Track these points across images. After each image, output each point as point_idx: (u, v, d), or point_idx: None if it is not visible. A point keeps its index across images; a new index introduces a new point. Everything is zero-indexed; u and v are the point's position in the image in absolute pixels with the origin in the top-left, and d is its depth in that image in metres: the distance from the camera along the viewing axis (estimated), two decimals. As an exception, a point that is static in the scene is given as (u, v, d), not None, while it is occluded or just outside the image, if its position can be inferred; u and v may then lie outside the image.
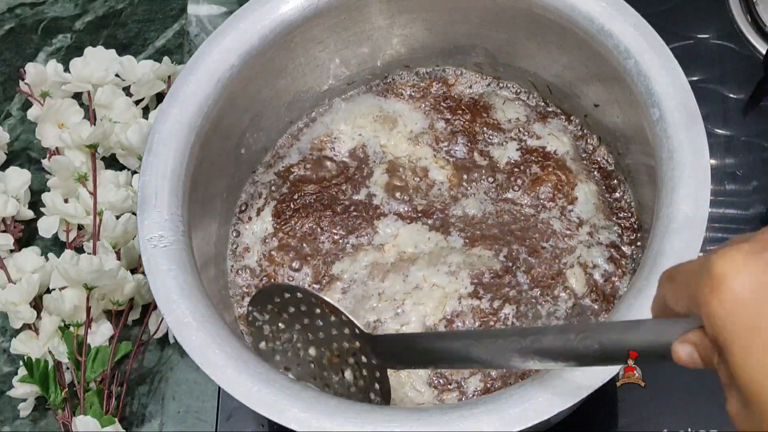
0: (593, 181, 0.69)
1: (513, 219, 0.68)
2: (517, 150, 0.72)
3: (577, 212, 0.68)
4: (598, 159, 0.71)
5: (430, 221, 0.69)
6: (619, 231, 0.67)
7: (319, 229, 0.69)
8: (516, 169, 0.71)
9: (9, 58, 0.93)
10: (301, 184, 0.72)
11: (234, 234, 0.70)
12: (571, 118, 0.73)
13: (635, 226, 0.67)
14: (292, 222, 0.70)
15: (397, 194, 0.71)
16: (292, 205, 0.71)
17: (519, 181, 0.70)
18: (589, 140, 0.72)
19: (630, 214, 0.68)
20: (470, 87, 0.76)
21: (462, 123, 0.74)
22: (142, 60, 0.85)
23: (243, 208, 0.71)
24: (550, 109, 0.73)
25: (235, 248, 0.70)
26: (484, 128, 0.73)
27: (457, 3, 0.70)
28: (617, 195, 0.69)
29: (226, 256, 0.69)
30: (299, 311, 0.59)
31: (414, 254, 0.67)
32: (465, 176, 0.71)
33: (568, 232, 0.67)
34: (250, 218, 0.70)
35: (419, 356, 0.54)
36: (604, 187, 0.69)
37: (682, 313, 0.37)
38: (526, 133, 0.72)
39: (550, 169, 0.70)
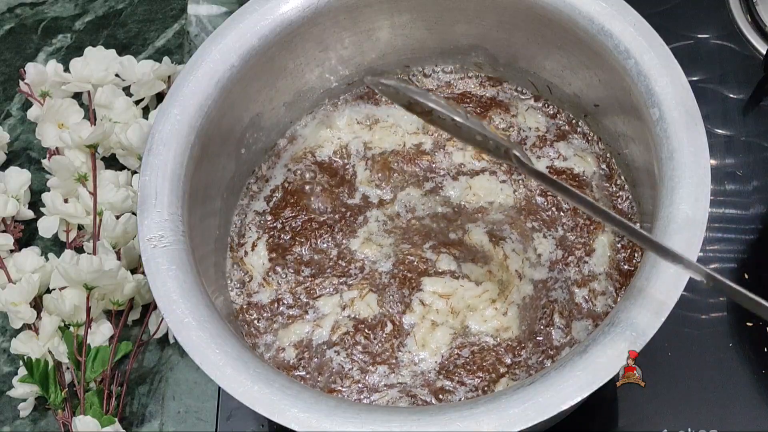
0: (609, 229, 0.68)
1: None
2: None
3: (591, 264, 0.66)
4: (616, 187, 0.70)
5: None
6: (616, 294, 0.65)
7: (316, 251, 0.69)
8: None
9: (9, 58, 0.93)
10: (289, 208, 0.71)
11: (234, 237, 0.70)
12: (575, 121, 0.73)
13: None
14: (291, 254, 0.69)
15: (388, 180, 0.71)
16: (284, 237, 0.70)
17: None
18: (591, 140, 0.72)
19: (631, 216, 0.68)
20: (473, 86, 0.76)
21: (473, 109, 0.74)
22: (142, 60, 0.85)
23: (237, 240, 0.70)
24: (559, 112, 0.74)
25: (235, 249, 0.70)
26: (500, 115, 0.73)
27: (457, 3, 0.70)
28: (619, 201, 0.69)
29: (226, 257, 0.69)
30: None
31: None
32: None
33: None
34: (246, 253, 0.69)
35: None
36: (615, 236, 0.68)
37: None
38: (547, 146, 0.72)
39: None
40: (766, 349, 0.70)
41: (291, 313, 0.66)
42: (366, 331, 0.64)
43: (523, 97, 0.74)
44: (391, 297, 0.65)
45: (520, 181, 0.70)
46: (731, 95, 0.83)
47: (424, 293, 0.65)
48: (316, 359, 0.64)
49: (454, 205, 0.69)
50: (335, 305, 0.66)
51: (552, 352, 0.63)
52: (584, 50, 0.65)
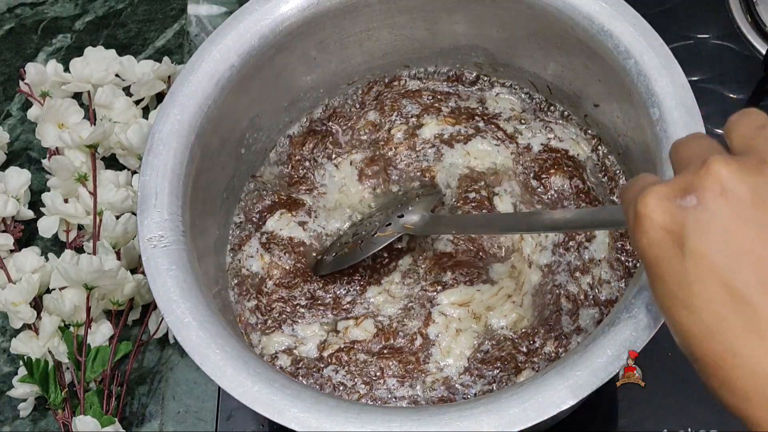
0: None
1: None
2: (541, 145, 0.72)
3: (591, 251, 0.67)
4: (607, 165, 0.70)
5: None
6: (619, 285, 0.65)
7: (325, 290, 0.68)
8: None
9: (9, 58, 0.93)
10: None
11: (234, 237, 0.70)
12: (575, 120, 0.73)
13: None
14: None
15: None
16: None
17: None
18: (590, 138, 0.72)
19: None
20: (472, 86, 0.76)
21: (471, 107, 0.74)
22: (142, 60, 0.85)
23: (237, 241, 0.70)
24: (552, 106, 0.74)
25: (235, 249, 0.70)
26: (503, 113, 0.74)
27: (457, 3, 0.70)
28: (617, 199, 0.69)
29: (226, 256, 0.69)
30: None
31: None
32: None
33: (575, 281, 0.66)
34: (246, 257, 0.69)
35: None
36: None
37: None
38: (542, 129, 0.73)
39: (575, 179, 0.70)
40: (766, 349, 0.70)
41: (275, 326, 0.66)
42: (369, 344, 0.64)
43: (523, 98, 0.74)
44: (409, 316, 0.65)
45: (511, 144, 0.71)
46: (731, 95, 0.83)
47: (443, 306, 0.65)
48: (314, 374, 0.64)
49: (469, 167, 0.71)
50: (326, 331, 0.66)
51: (564, 340, 0.63)
52: (584, 50, 0.65)
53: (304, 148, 0.73)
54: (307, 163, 0.72)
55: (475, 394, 0.61)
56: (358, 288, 0.67)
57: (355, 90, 0.75)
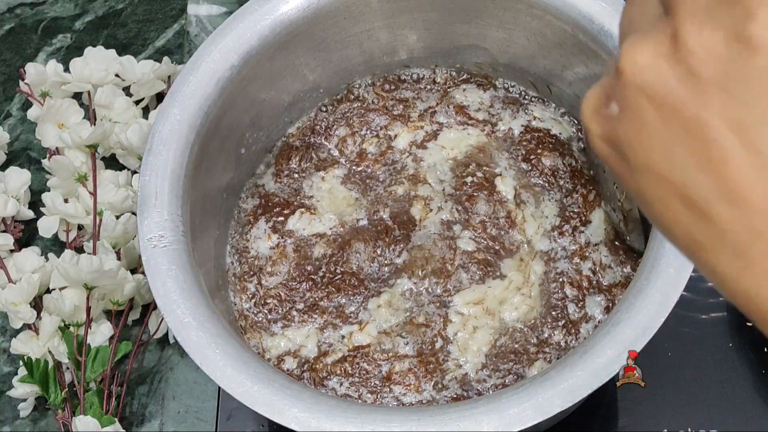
0: (609, 203, 0.68)
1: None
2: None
3: (587, 234, 0.67)
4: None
5: None
6: (622, 270, 0.65)
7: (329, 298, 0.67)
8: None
9: (9, 58, 0.93)
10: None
11: (234, 235, 0.70)
12: (575, 120, 0.73)
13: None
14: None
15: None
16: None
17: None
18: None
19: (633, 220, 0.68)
20: (472, 87, 0.76)
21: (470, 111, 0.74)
22: (142, 60, 0.85)
23: (237, 240, 0.70)
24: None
25: (236, 248, 0.70)
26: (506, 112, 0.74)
27: (457, 3, 0.70)
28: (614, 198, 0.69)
29: (226, 256, 0.69)
30: None
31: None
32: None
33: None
34: (249, 258, 0.69)
35: None
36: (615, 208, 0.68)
37: None
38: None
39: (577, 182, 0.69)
40: (766, 349, 0.70)
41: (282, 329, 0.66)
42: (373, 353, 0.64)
43: (523, 97, 0.75)
44: (420, 319, 0.65)
45: (479, 123, 0.72)
46: (731, 95, 0.83)
47: (458, 306, 0.65)
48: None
49: (450, 158, 0.71)
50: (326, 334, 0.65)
51: (572, 328, 0.63)
52: (584, 50, 0.65)
53: (291, 162, 0.72)
54: (296, 175, 0.72)
55: (489, 389, 0.61)
56: (361, 299, 0.66)
57: (319, 107, 0.75)
